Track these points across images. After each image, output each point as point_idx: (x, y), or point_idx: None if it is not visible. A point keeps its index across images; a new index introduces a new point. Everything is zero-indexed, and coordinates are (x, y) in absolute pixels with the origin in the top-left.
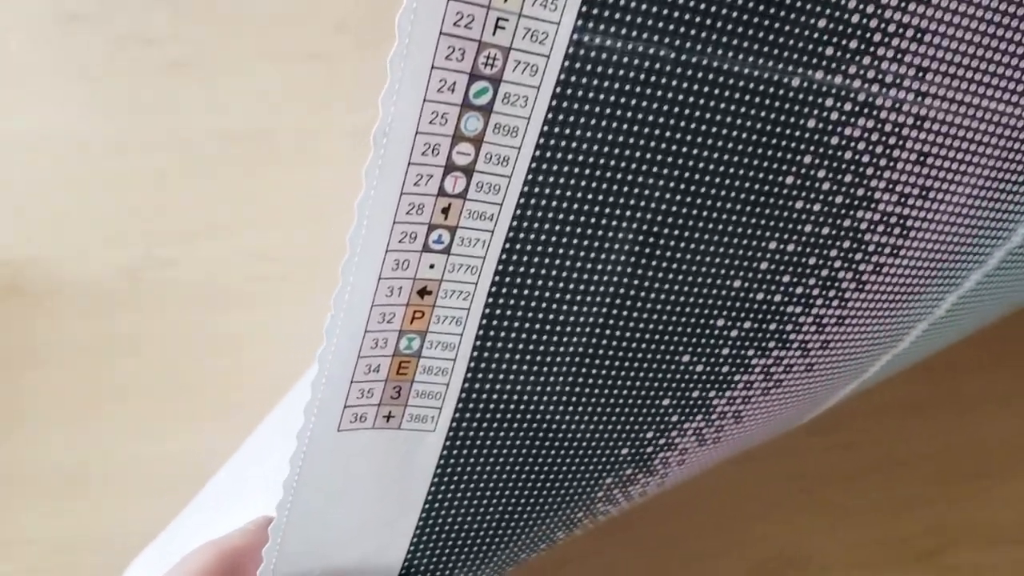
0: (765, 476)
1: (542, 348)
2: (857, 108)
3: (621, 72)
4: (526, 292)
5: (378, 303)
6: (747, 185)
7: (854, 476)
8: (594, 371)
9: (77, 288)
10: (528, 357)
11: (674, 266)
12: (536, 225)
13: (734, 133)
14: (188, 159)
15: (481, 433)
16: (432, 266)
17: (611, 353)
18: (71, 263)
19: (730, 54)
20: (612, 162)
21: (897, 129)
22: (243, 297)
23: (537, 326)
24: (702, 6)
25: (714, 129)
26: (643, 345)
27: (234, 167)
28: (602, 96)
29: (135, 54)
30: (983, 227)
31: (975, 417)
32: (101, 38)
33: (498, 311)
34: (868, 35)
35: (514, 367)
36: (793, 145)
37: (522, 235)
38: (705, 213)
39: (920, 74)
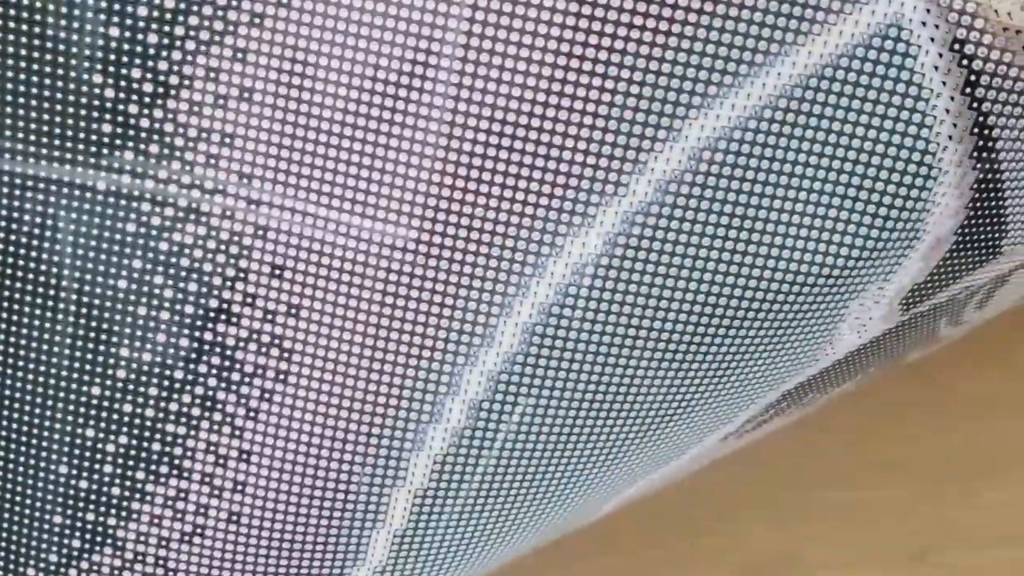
0: (754, 477)
1: None
2: (181, 214)
3: None
4: None
5: None
6: (80, 287)
7: (844, 477)
8: None
9: None
10: None
11: (13, 362)
12: None
13: (56, 235)
14: None
15: None
16: None
17: None
18: None
19: (20, 157)
20: None
21: (236, 239)
22: None
23: None
24: None
25: (36, 230)
26: (10, 444)
27: None
28: None
29: None
30: (405, 368)
31: (966, 419)
32: None
33: None
34: (167, 139)
35: None
36: (118, 249)
37: None
38: (50, 314)
39: (245, 180)
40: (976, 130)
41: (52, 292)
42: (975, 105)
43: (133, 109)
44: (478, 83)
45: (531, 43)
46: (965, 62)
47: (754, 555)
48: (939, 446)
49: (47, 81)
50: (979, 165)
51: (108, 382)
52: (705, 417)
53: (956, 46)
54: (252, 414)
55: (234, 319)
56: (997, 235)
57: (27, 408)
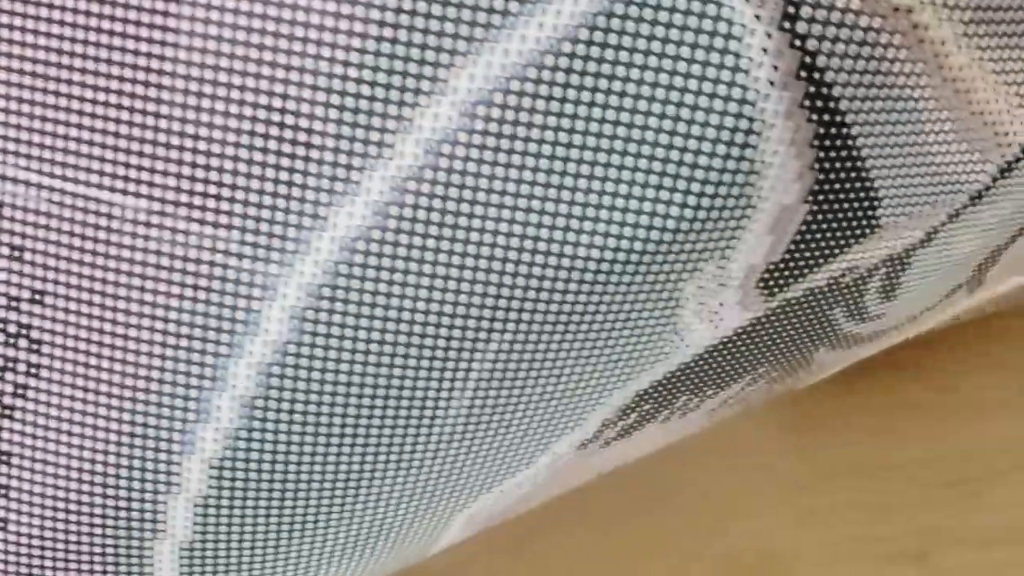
0: (747, 478)
1: None
2: None
3: None
4: None
5: None
6: None
7: (834, 477)
8: None
9: None
10: None
11: None
12: None
13: None
14: None
15: None
16: None
17: None
18: None
19: None
20: None
21: None
22: None
23: None
24: None
25: None
26: None
27: None
28: None
29: None
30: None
31: (965, 419)
32: None
33: None
34: None
35: None
36: None
37: None
38: None
39: None
40: (804, 73)
41: None
42: (797, 43)
43: None
44: (210, 46)
45: None
46: None
47: (748, 556)
48: (939, 447)
49: None
50: (816, 116)
51: None
52: (532, 419)
53: None
54: (7, 412)
55: None
56: (867, 204)
57: None
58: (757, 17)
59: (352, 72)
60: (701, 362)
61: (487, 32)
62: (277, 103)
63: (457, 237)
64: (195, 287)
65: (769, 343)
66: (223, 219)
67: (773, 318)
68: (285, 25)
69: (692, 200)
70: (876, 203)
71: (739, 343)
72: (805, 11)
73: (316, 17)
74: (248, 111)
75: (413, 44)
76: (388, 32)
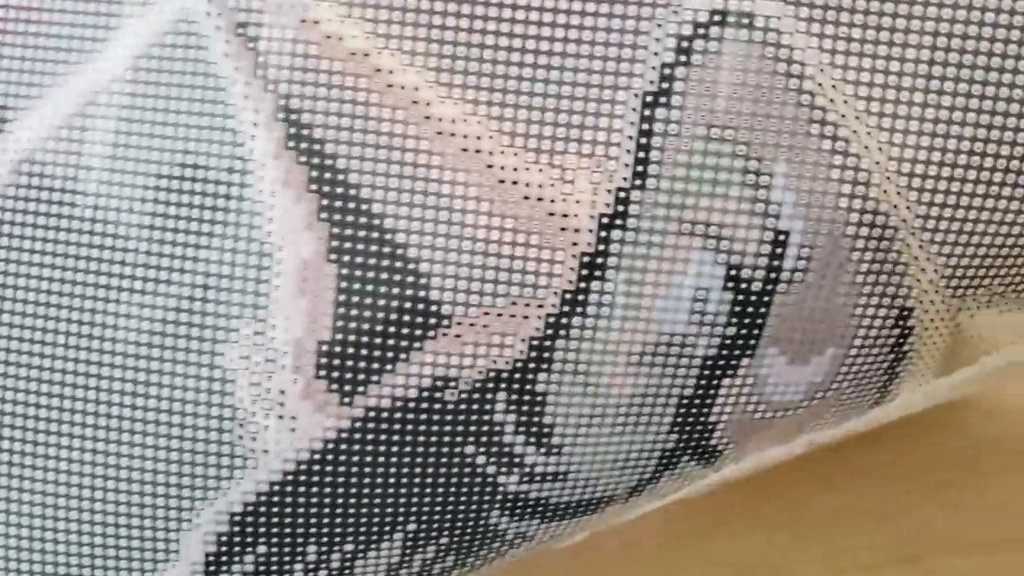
0: (737, 485)
1: None
2: None
3: None
4: None
5: None
6: None
7: (832, 483)
8: None
9: None
10: None
11: None
12: None
13: None
14: None
15: None
16: None
17: None
18: None
19: None
20: None
21: None
22: None
23: None
24: None
25: None
26: None
27: None
28: None
29: None
30: None
31: (953, 424)
32: None
33: None
34: None
35: None
36: None
37: None
38: None
39: None
40: (282, 115)
41: None
42: (272, 88)
43: None
44: None
45: None
46: (252, 45)
47: (741, 563)
48: (931, 450)
49: None
50: (304, 158)
51: None
52: (97, 508)
53: (240, 30)
54: None
55: None
56: (413, 281)
57: None
58: (236, 69)
59: None
60: (302, 488)
61: (29, 103)
62: None
63: (30, 286)
64: None
65: (393, 482)
66: None
67: (373, 438)
68: None
69: (203, 240)
70: (425, 281)
71: (343, 469)
72: (273, 59)
73: None
74: None
75: None
76: None
